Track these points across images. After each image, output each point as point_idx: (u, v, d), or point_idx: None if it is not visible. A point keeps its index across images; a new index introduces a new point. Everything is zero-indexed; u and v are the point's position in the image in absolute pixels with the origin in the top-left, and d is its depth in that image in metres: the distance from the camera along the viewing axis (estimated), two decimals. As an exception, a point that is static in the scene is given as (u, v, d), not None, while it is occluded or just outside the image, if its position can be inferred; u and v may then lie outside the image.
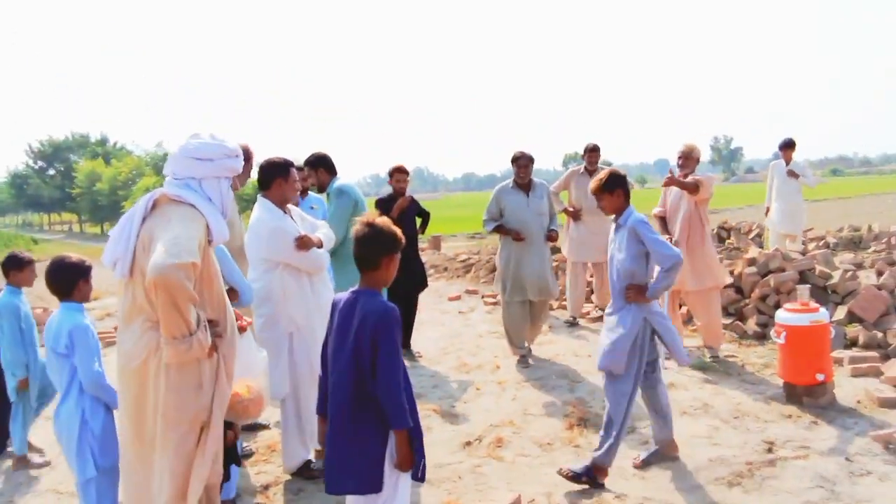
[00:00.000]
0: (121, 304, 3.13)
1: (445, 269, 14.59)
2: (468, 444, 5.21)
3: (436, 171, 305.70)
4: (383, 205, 7.17)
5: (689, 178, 6.70)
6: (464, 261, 14.83)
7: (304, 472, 4.69)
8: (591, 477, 4.33)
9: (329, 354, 2.95)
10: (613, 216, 4.38)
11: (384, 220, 2.91)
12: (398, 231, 2.97)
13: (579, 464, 4.41)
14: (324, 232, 4.75)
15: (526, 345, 7.30)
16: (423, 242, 14.42)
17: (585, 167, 8.80)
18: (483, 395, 6.37)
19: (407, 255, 6.82)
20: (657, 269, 4.26)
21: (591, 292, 9.70)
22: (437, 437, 5.25)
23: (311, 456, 4.74)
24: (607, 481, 4.43)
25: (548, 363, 7.24)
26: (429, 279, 9.11)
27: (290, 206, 4.65)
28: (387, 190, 7.56)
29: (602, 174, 4.36)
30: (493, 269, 12.32)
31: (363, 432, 2.80)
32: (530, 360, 7.28)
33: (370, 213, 2.96)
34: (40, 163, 76.47)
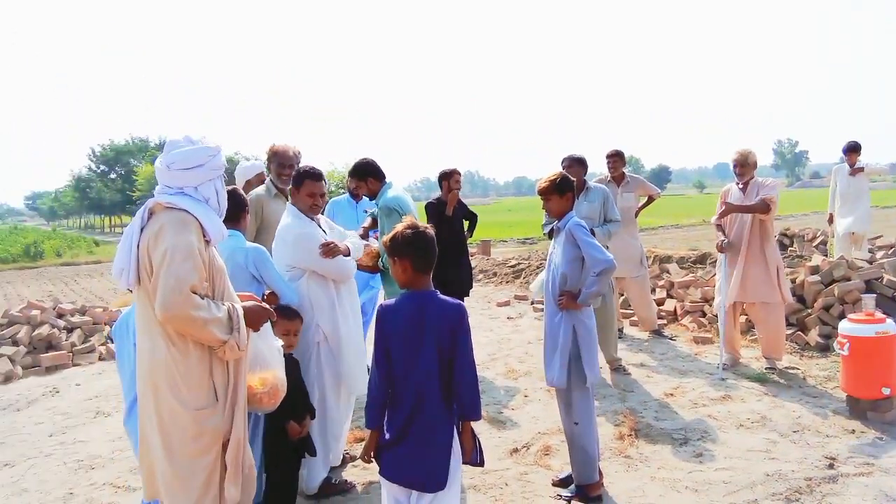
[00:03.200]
0: (137, 313, 3.08)
1: (495, 274, 14.31)
2: (515, 451, 5.07)
3: (486, 175, 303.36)
4: (433, 209, 6.97)
5: (757, 198, 6.37)
6: (513, 266, 14.55)
7: (325, 490, 4.42)
8: (582, 495, 4.17)
9: (397, 361, 2.92)
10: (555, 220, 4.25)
11: (420, 225, 2.96)
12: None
13: (565, 490, 4.27)
14: (352, 241, 4.64)
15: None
16: (472, 247, 14.25)
17: (611, 176, 7.89)
18: (531, 401, 6.21)
19: (455, 259, 6.77)
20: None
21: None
22: (483, 444, 5.04)
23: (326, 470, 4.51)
24: (659, 495, 4.24)
25: (600, 371, 6.95)
26: (477, 284, 8.94)
27: (319, 215, 4.53)
28: (436, 194, 7.39)
29: (553, 175, 4.21)
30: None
31: (443, 427, 2.86)
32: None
33: (411, 219, 3.00)
34: (102, 167, 78.12)
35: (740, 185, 6.65)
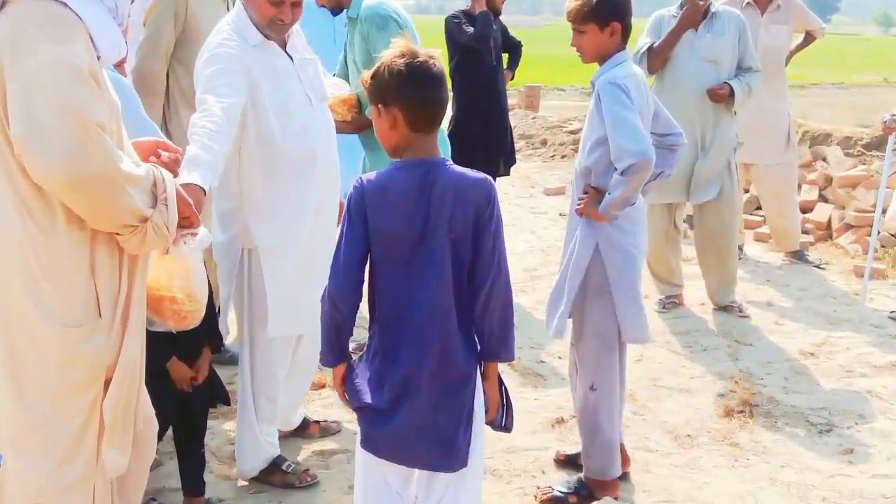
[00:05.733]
0: None
1: (544, 142, 11.05)
2: (559, 421, 3.89)
3: None
4: (456, 29, 5.23)
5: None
6: (573, 131, 10.78)
7: (271, 478, 3.21)
8: (586, 495, 3.31)
9: (382, 269, 2.30)
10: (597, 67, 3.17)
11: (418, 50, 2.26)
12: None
13: (561, 480, 3.39)
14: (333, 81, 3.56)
15: (677, 279, 5.36)
16: (511, 95, 9.27)
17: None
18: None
19: (488, 116, 5.18)
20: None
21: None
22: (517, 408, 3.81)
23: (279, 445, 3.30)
24: None
25: (701, 310, 5.41)
26: (517, 158, 6.79)
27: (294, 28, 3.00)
28: (456, 5, 5.69)
29: None
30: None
31: (465, 372, 2.30)
32: (679, 302, 5.40)
33: (405, 44, 2.26)
34: None
35: None
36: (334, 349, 2.35)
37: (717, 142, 4.86)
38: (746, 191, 6.90)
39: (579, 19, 3.05)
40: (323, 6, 4.27)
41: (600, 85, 3.03)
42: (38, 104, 2.01)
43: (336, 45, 4.65)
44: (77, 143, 2.03)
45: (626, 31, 3.04)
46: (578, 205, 3.13)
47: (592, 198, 3.10)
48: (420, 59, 2.22)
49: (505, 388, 2.48)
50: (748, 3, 5.77)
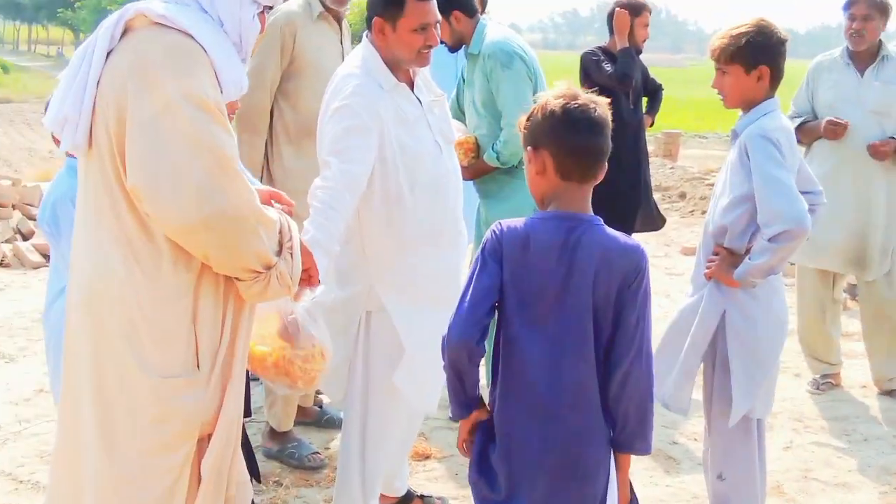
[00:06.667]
0: (80, 197, 2.17)
1: (682, 195, 10.27)
2: None
3: (680, 16, 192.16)
4: (596, 67, 4.59)
5: None
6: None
7: None
8: None
9: (513, 330, 2.10)
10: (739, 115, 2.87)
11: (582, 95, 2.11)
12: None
13: None
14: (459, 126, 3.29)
15: (834, 358, 4.69)
16: (648, 142, 8.39)
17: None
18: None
19: (631, 167, 4.58)
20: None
21: None
22: (643, 495, 3.40)
23: None
24: None
25: (862, 394, 4.75)
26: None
27: (419, 69, 2.80)
28: (591, 41, 5.40)
29: (742, 26, 2.75)
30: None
31: (601, 456, 2.09)
32: (836, 383, 4.74)
33: (568, 85, 2.12)
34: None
35: None
36: (460, 399, 2.16)
37: (887, 205, 4.25)
38: None
39: (724, 59, 2.77)
40: (442, 42, 3.70)
41: (749, 137, 2.73)
42: (169, 144, 1.91)
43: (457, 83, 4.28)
44: (211, 181, 1.92)
45: (775, 77, 2.74)
46: (708, 267, 2.83)
47: (725, 260, 2.79)
48: (579, 101, 2.07)
49: (630, 482, 2.23)
50: None
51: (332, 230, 2.44)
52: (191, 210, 1.86)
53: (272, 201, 2.25)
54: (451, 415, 2.17)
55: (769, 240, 2.62)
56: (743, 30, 2.71)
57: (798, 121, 4.32)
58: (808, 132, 4.33)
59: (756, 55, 2.69)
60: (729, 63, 2.74)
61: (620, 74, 4.42)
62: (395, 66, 2.65)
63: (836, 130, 4.11)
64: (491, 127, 3.70)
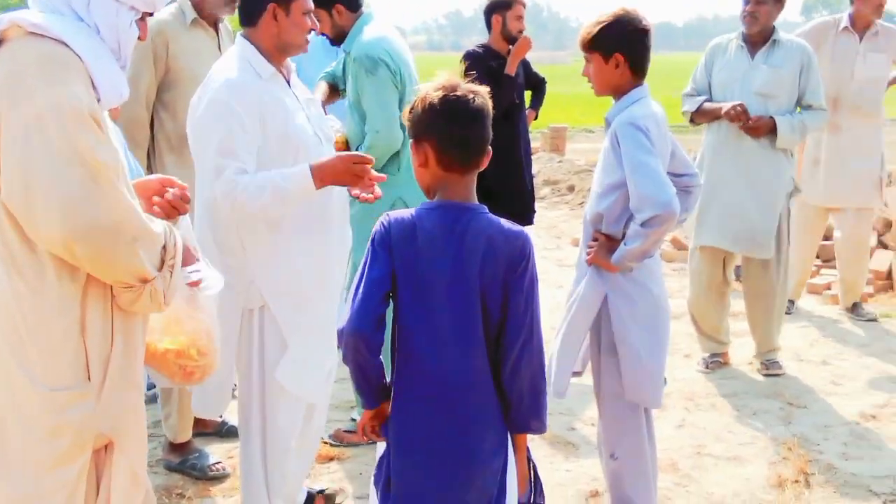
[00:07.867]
0: None
1: (571, 188, 10.59)
2: (593, 494, 3.51)
3: (562, 13, 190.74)
4: (479, 64, 4.67)
5: None
6: None
7: None
8: None
9: (406, 319, 2.14)
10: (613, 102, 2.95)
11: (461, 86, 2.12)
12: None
13: None
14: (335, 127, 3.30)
15: (723, 336, 4.95)
16: (534, 137, 8.88)
17: (851, 19, 5.27)
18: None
19: (510, 160, 4.67)
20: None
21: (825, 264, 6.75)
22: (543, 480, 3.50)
23: None
24: None
25: (750, 370, 5.02)
26: (540, 205, 6.39)
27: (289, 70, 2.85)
28: (475, 40, 5.49)
29: (604, 17, 2.86)
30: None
31: (497, 439, 2.13)
32: (725, 361, 4.99)
33: (448, 77, 2.12)
34: None
35: None
36: (364, 391, 2.19)
37: (768, 184, 4.49)
38: (827, 238, 6.44)
39: (584, 46, 2.89)
40: (324, 34, 3.84)
41: (618, 126, 2.83)
42: (40, 156, 1.90)
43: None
44: (82, 193, 1.92)
45: (636, 65, 2.83)
46: (588, 253, 2.92)
47: (603, 246, 2.88)
48: (458, 92, 2.10)
49: (533, 461, 2.32)
50: (845, 27, 5.35)
51: (267, 177, 2.53)
52: (56, 223, 1.88)
53: (165, 187, 2.29)
54: (362, 405, 2.21)
55: (641, 225, 2.72)
56: (602, 19, 2.83)
57: (699, 100, 4.59)
58: (706, 113, 4.58)
59: (612, 43, 2.78)
60: (590, 51, 2.85)
61: (495, 73, 4.56)
62: (273, 56, 2.70)
63: (738, 115, 4.33)
64: (359, 126, 3.73)
